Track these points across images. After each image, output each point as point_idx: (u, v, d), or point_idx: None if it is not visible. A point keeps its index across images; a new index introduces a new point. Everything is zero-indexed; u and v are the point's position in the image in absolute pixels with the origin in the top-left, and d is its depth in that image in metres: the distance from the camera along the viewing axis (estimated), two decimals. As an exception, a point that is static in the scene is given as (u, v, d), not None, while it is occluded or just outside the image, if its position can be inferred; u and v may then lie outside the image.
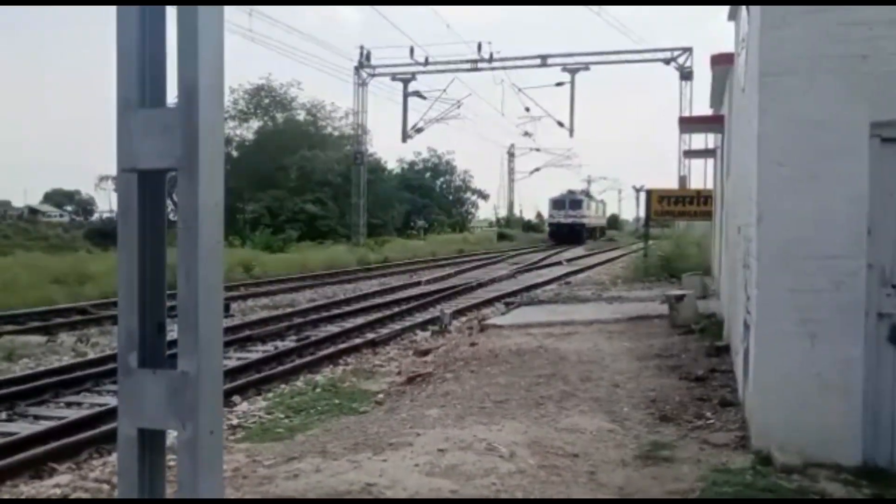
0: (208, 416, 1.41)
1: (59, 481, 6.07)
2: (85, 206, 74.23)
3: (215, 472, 1.44)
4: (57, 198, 74.23)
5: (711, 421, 6.51)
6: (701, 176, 29.96)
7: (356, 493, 4.84)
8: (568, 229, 56.80)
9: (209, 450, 1.42)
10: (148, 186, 1.46)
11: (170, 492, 1.49)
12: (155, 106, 1.44)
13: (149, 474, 1.48)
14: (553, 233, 58.34)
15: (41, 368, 10.14)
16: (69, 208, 67.61)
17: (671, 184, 32.23)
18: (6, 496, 5.81)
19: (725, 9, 10.13)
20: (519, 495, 4.82)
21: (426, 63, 35.93)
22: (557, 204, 59.43)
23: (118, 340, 1.49)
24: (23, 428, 7.53)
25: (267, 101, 50.40)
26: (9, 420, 7.94)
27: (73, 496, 5.65)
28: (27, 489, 5.91)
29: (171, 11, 1.44)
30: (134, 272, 1.46)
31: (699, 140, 24.94)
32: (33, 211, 57.59)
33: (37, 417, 8.06)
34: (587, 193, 67.88)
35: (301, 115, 51.74)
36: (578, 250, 44.52)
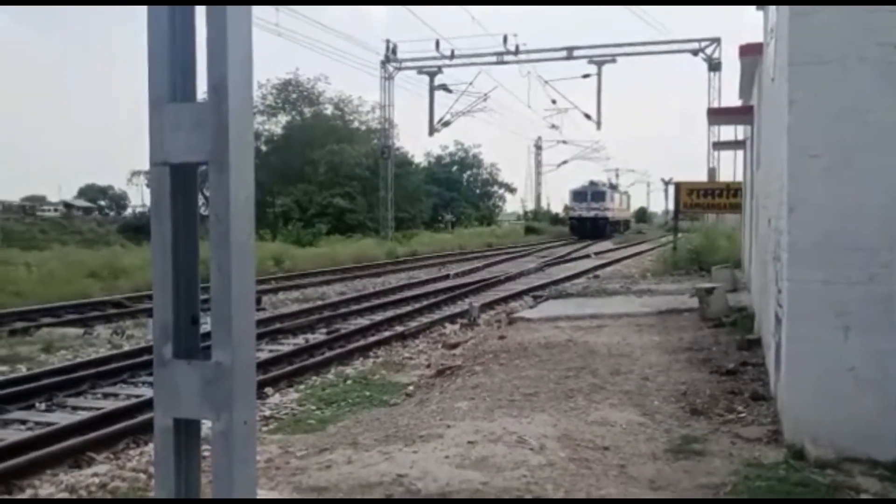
0: (242, 407, 1.44)
1: (98, 470, 6.20)
2: (118, 201, 75.25)
3: (249, 462, 1.47)
4: (91, 193, 75.33)
5: (743, 415, 6.47)
6: (730, 168, 29.61)
7: (387, 485, 4.90)
8: (590, 223, 53.61)
9: (243, 440, 1.44)
10: (179, 180, 1.49)
11: (204, 481, 1.52)
12: (185, 101, 1.47)
13: (184, 464, 1.51)
14: (574, 227, 55.04)
15: (79, 360, 10.35)
16: (103, 203, 68.66)
17: (700, 176, 31.91)
18: (47, 485, 5.96)
19: None
20: (549, 488, 4.85)
21: (452, 56, 35.89)
22: (578, 196, 56.12)
23: (153, 332, 1.52)
24: (62, 418, 7.71)
25: (295, 95, 50.73)
26: (48, 410, 8.13)
27: (112, 485, 5.77)
28: (67, 478, 6.04)
29: (201, 12, 1.46)
30: (168, 265, 1.48)
31: (728, 132, 24.66)
32: (68, 206, 58.50)
33: (75, 408, 8.23)
34: (611, 185, 65.59)
35: (329, 110, 52.03)
36: (606, 244, 44.24)
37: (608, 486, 4.93)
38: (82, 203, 65.63)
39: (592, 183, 58.07)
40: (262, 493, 4.88)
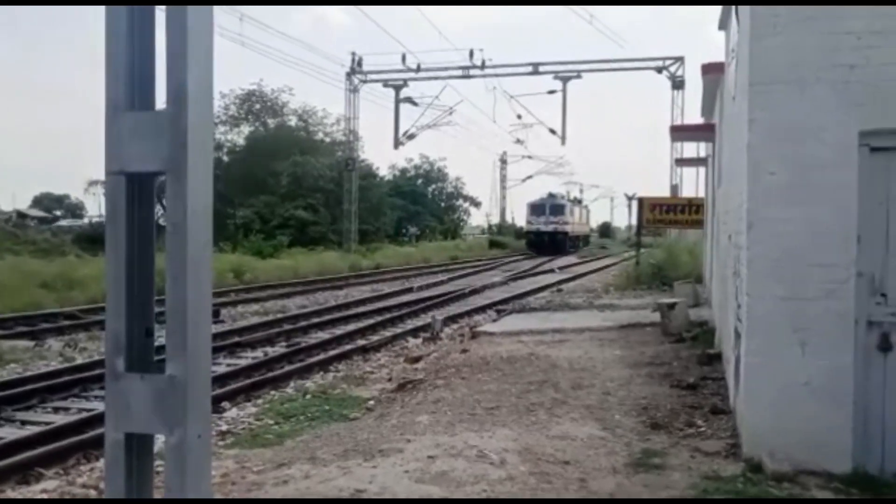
0: (196, 421, 1.40)
1: (47, 486, 6.03)
2: (74, 211, 73.82)
3: (203, 477, 1.43)
4: (46, 202, 73.85)
5: (703, 429, 6.51)
6: (693, 184, 30.04)
7: (346, 500, 4.82)
8: (549, 238, 50.79)
9: (197, 455, 1.41)
10: (136, 189, 1.46)
11: (158, 496, 1.47)
12: (144, 109, 1.44)
13: (136, 479, 1.46)
14: (532, 241, 52.01)
15: (28, 373, 10.08)
16: (58, 212, 67.32)
17: (663, 192, 32.33)
18: (-8, 502, 5.76)
19: (717, 17, 10.18)
20: (509, 502, 4.81)
21: (418, 70, 35.96)
22: (536, 209, 53.01)
23: (105, 344, 1.48)
24: (10, 433, 7.48)
25: (258, 106, 50.31)
26: (-5, 425, 7.88)
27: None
28: (14, 494, 5.87)
29: (161, 14, 1.43)
30: (122, 275, 1.45)
31: (691, 148, 25.04)
32: (22, 215, 57.21)
33: (24, 422, 8.00)
34: (574, 198, 63.83)
35: (293, 121, 51.66)
36: (570, 258, 44.48)
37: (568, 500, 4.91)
38: (37, 213, 64.24)
39: (551, 195, 55.47)
40: (216, 510, 4.77)
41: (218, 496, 5.07)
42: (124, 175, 1.43)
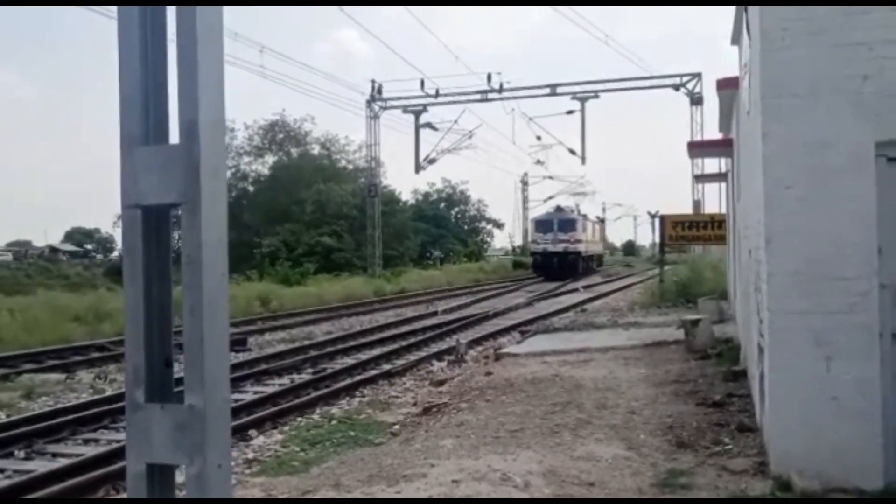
0: (216, 451, 1.40)
1: (76, 519, 6.10)
2: (104, 244, 74.91)
3: None
4: (77, 236, 75.03)
5: (729, 447, 6.43)
6: (716, 200, 29.82)
7: (370, 526, 4.82)
8: (558, 260, 42.99)
9: (217, 484, 1.41)
10: (153, 222, 1.47)
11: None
12: (158, 142, 1.46)
13: None
14: (538, 264, 44.34)
15: (59, 406, 10.20)
16: (89, 246, 68.35)
17: (686, 208, 32.14)
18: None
19: (729, 33, 10.18)
20: (534, 525, 4.78)
21: (437, 95, 36.22)
22: (542, 225, 45.41)
23: (125, 376, 1.49)
24: (40, 466, 7.56)
25: (281, 136, 51.00)
26: (27, 458, 7.98)
27: (89, 534, 5.66)
28: (44, 527, 5.93)
29: (173, 47, 1.45)
30: (140, 308, 1.46)
31: (713, 164, 24.92)
32: (54, 250, 58.18)
33: (55, 455, 8.09)
34: (601, 216, 59.26)
35: (315, 150, 52.29)
36: (595, 277, 44.01)
37: (593, 522, 4.87)
38: (68, 247, 65.29)
39: (559, 209, 47.92)
40: (241, 539, 4.80)
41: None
42: (140, 208, 1.45)
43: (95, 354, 14.82)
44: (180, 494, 1.48)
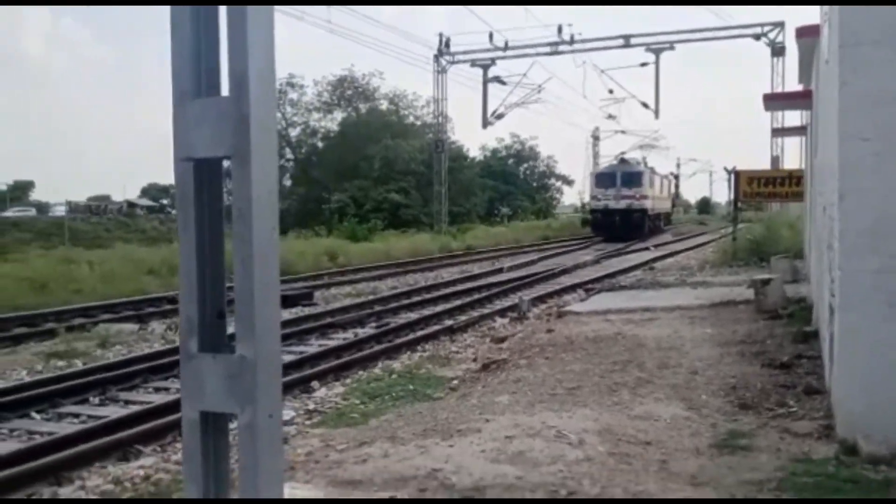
0: (266, 400, 1.44)
1: (144, 463, 6.35)
2: (179, 199, 76.76)
3: (275, 455, 1.47)
4: (153, 192, 77.41)
5: (794, 409, 6.24)
6: (796, 155, 28.70)
7: (421, 478, 4.86)
8: (621, 218, 38.44)
9: (268, 433, 1.44)
10: (205, 175, 1.50)
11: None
12: (210, 95, 1.48)
13: (213, 457, 1.52)
14: (598, 223, 39.85)
15: (132, 355, 10.60)
16: (165, 202, 70.45)
17: (764, 164, 31.05)
18: (95, 476, 6.10)
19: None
20: (586, 483, 4.74)
21: (505, 48, 35.70)
22: (604, 179, 40.74)
23: (180, 326, 1.54)
24: (113, 412, 7.89)
25: (350, 92, 51.25)
26: (101, 404, 8.34)
27: (155, 477, 5.88)
28: (115, 470, 6.19)
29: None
30: (193, 259, 1.50)
31: (794, 117, 23.91)
32: (132, 205, 60.23)
33: (127, 402, 8.43)
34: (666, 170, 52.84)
35: (383, 105, 52.39)
36: (665, 235, 43.01)
37: (647, 481, 4.80)
38: (145, 202, 67.48)
39: (623, 160, 43.25)
40: (297, 486, 4.90)
41: (301, 473, 5.21)
42: (192, 161, 1.48)
43: (168, 306, 15.32)
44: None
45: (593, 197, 41.45)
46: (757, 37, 33.84)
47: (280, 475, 1.49)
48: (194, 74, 1.48)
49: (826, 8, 7.34)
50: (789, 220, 23.59)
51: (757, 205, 31.89)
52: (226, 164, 1.47)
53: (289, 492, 4.60)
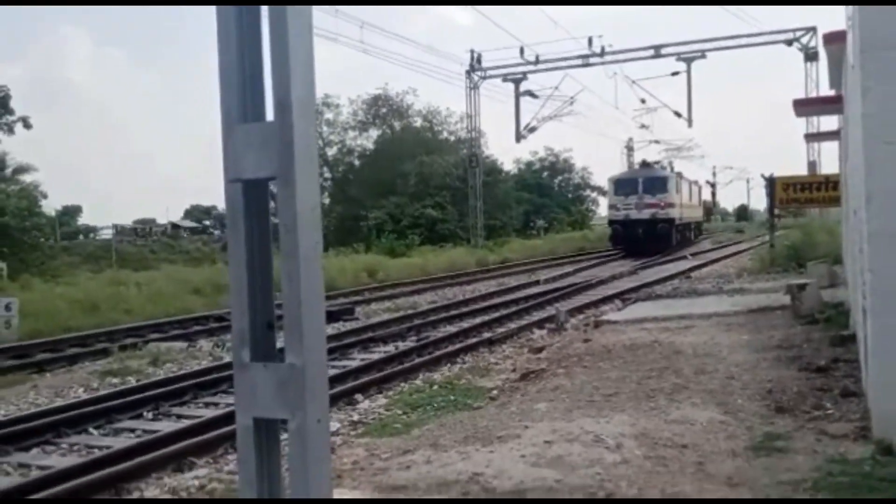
0: (315, 406, 1.54)
1: (198, 474, 6.61)
2: (222, 220, 78.26)
3: (323, 458, 1.58)
4: (196, 214, 78.71)
5: (831, 411, 6.30)
6: (833, 161, 28.38)
7: (463, 483, 5.05)
8: (644, 229, 33.88)
9: (317, 437, 1.54)
10: (252, 195, 1.61)
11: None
12: (256, 120, 1.60)
13: (266, 462, 1.63)
14: (618, 234, 35.34)
15: (182, 372, 10.95)
16: (207, 223, 71.66)
17: (801, 170, 30.72)
18: (152, 487, 6.39)
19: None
20: (623, 485, 4.89)
21: (536, 62, 35.88)
22: (624, 186, 36.16)
23: (232, 339, 1.65)
24: (166, 426, 8.21)
25: (384, 110, 51.79)
26: (154, 419, 8.67)
27: (210, 486, 6.15)
28: (170, 481, 6.47)
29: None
30: (243, 275, 1.61)
31: (830, 122, 23.69)
32: (175, 226, 61.40)
33: (179, 416, 8.75)
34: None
35: (418, 122, 52.85)
36: (702, 244, 42.55)
37: (683, 483, 4.93)
38: (188, 223, 68.69)
39: (645, 164, 39.47)
40: (344, 492, 5.12)
41: (347, 480, 5.43)
42: (241, 182, 1.59)
43: (214, 325, 15.73)
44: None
45: (612, 206, 36.68)
46: (789, 42, 33.54)
47: (329, 476, 1.60)
48: (240, 100, 1.59)
49: (850, 11, 7.43)
50: (828, 225, 23.35)
51: (796, 210, 31.49)
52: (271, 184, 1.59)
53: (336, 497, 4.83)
